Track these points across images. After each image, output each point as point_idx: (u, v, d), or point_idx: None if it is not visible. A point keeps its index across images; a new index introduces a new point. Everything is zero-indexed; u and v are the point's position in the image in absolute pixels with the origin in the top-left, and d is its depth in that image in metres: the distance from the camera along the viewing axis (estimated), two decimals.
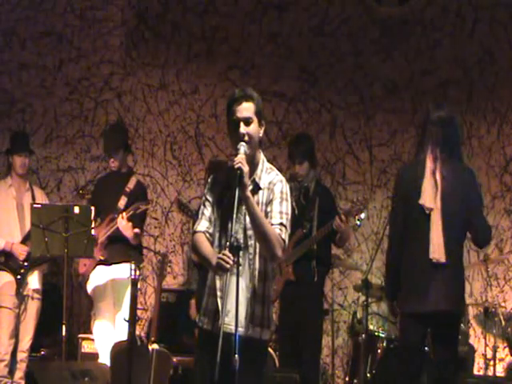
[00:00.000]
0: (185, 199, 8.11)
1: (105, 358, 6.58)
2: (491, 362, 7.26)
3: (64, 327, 6.35)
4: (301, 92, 8.36)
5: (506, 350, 7.50)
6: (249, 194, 4.09)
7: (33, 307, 6.94)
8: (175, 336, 7.39)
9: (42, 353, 7.50)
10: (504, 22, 8.22)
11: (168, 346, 6.65)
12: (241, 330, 4.05)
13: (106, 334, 6.75)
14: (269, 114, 8.00)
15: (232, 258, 3.98)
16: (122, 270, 6.67)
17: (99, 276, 6.85)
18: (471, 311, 7.57)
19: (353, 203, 6.61)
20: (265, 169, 4.26)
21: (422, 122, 5.36)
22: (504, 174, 8.21)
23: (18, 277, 6.86)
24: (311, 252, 6.54)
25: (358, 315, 7.27)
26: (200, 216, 4.29)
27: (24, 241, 6.89)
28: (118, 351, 6.28)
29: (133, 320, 6.29)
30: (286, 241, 4.18)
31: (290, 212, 4.22)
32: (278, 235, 4.12)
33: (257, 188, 4.21)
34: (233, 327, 3.95)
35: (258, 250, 4.17)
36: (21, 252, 6.85)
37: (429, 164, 5.15)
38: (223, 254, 4.00)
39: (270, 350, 6.63)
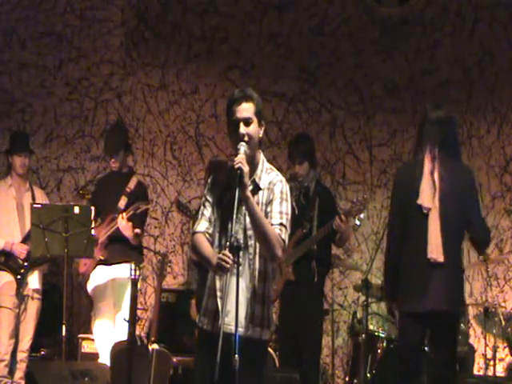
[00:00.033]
0: (185, 199, 8.11)
1: (105, 358, 6.58)
2: (491, 362, 7.26)
3: (64, 327, 6.35)
4: (301, 92, 8.36)
5: (506, 349, 7.50)
6: (249, 194, 4.09)
7: (33, 307, 6.94)
8: (175, 336, 7.38)
9: (42, 353, 7.50)
10: (504, 21, 8.22)
11: (168, 345, 6.65)
12: (241, 330, 4.05)
13: (106, 334, 6.76)
14: (269, 114, 8.00)
15: (232, 258, 3.98)
16: (123, 270, 6.67)
17: (99, 276, 6.85)
18: (471, 311, 7.56)
19: (352, 203, 6.61)
20: (265, 169, 4.26)
21: (420, 122, 5.35)
22: (504, 174, 8.21)
23: (18, 277, 6.86)
24: (311, 252, 6.54)
25: (358, 315, 7.27)
26: (200, 216, 4.29)
27: (24, 241, 6.89)
28: (118, 351, 6.28)
29: (133, 320, 6.29)
30: (286, 241, 4.18)
31: (289, 212, 4.21)
32: (278, 235, 4.12)
33: (257, 188, 4.21)
34: (233, 327, 3.95)
35: (258, 250, 4.17)
36: (21, 252, 6.85)
37: (427, 164, 5.15)
38: (223, 255, 4.00)
39: (270, 349, 6.63)
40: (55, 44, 8.39)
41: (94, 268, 6.85)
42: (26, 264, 6.87)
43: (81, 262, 6.91)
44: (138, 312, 7.30)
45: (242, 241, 4.10)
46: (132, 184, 6.91)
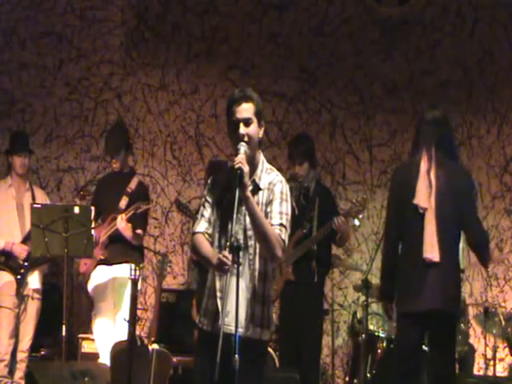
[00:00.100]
0: (185, 199, 8.11)
1: (105, 358, 6.58)
2: (491, 362, 7.26)
3: (64, 327, 6.35)
4: (301, 92, 8.36)
5: (506, 349, 7.50)
6: (249, 194, 4.09)
7: (33, 307, 6.94)
8: (175, 336, 7.38)
9: (42, 353, 7.50)
10: (504, 21, 8.22)
11: (168, 345, 6.65)
12: (241, 330, 4.05)
13: (106, 334, 6.76)
14: (269, 114, 8.01)
15: (231, 259, 3.98)
16: (123, 270, 6.67)
17: (100, 276, 6.86)
18: (471, 311, 7.57)
19: (352, 204, 6.62)
20: (265, 169, 4.26)
21: (416, 122, 5.36)
22: (504, 174, 8.21)
23: (18, 277, 6.86)
24: (311, 252, 6.54)
25: (358, 315, 7.27)
26: (199, 217, 4.29)
27: (24, 241, 6.89)
28: (118, 351, 6.28)
29: (133, 320, 6.28)
30: (286, 241, 4.18)
31: (289, 212, 4.21)
32: (278, 235, 4.12)
33: (257, 188, 4.20)
34: (233, 328, 3.95)
35: (258, 251, 4.17)
36: (21, 252, 6.84)
37: (423, 164, 5.15)
38: (222, 255, 4.00)
39: (270, 350, 6.63)
40: (55, 44, 8.39)
41: (95, 268, 6.85)
42: (26, 264, 6.86)
43: (81, 261, 6.92)
44: (138, 312, 7.29)
45: (241, 241, 4.09)
46: (133, 184, 6.91)
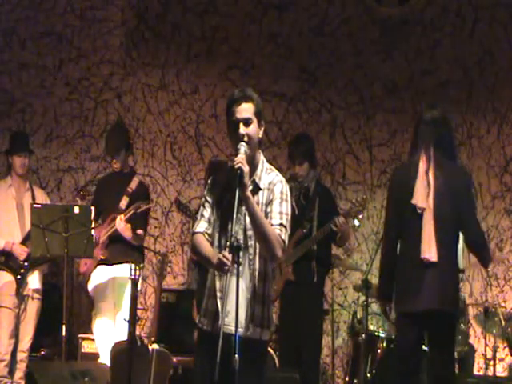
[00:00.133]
0: (185, 199, 8.11)
1: (105, 358, 6.58)
2: (491, 362, 7.26)
3: (64, 327, 6.36)
4: (301, 92, 8.36)
5: (506, 349, 7.50)
6: (249, 194, 4.09)
7: (33, 307, 6.94)
8: (175, 336, 7.38)
9: (42, 353, 7.50)
10: (504, 21, 8.22)
11: (168, 345, 6.65)
12: (241, 330, 4.05)
13: (106, 334, 6.76)
14: (269, 114, 8.01)
15: (230, 259, 3.98)
16: (123, 270, 6.67)
17: (100, 276, 6.86)
18: (471, 311, 7.56)
19: (351, 204, 6.62)
20: (265, 169, 4.26)
21: (415, 123, 5.36)
22: (504, 174, 8.21)
23: (18, 277, 6.86)
24: (311, 252, 6.54)
25: (358, 315, 7.27)
26: (199, 217, 4.29)
27: (24, 241, 6.89)
28: (118, 351, 6.28)
29: (133, 320, 6.28)
30: (286, 241, 4.18)
31: (289, 212, 4.21)
32: (278, 236, 4.12)
33: (257, 188, 4.20)
34: (233, 328, 3.95)
35: (258, 251, 4.17)
36: (21, 253, 6.84)
37: (422, 164, 5.15)
38: (222, 255, 4.00)
39: (270, 350, 6.63)
40: (55, 44, 8.39)
41: (95, 268, 6.85)
42: (26, 264, 6.86)
43: (81, 261, 6.92)
44: (138, 312, 7.29)
45: (241, 241, 4.09)
46: (133, 184, 6.91)
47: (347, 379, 7.27)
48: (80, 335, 7.31)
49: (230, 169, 4.13)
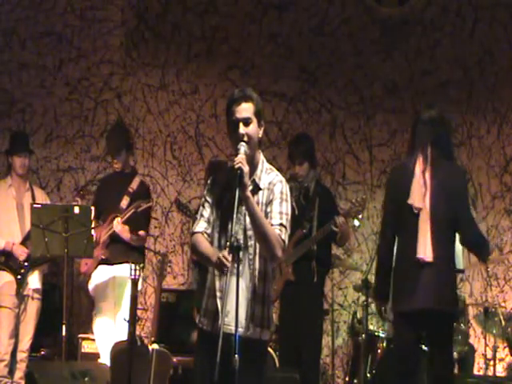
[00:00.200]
0: (185, 199, 8.11)
1: (105, 358, 6.58)
2: (491, 362, 7.26)
3: (64, 327, 6.36)
4: (301, 92, 8.36)
5: (506, 349, 7.50)
6: (249, 194, 4.09)
7: (33, 307, 6.94)
8: (175, 336, 7.38)
9: (42, 353, 7.50)
10: (504, 21, 8.23)
11: (168, 345, 6.65)
12: (241, 330, 4.05)
13: (107, 334, 6.75)
14: (269, 114, 8.01)
15: (230, 260, 3.98)
16: (124, 270, 6.67)
17: (101, 275, 6.85)
18: (471, 311, 7.56)
19: (351, 204, 6.62)
20: (264, 169, 4.26)
21: (413, 122, 5.36)
22: (504, 174, 8.21)
23: (19, 277, 6.86)
24: (311, 252, 6.54)
25: (358, 315, 7.27)
26: (198, 217, 4.29)
27: (24, 241, 6.89)
28: (118, 351, 6.28)
29: (133, 320, 6.28)
30: (286, 241, 4.18)
31: (289, 212, 4.21)
32: (278, 236, 4.12)
33: (257, 188, 4.20)
34: (233, 327, 3.95)
35: (257, 251, 4.17)
36: (21, 253, 6.84)
37: (419, 164, 5.16)
38: (222, 255, 4.00)
39: (270, 350, 6.63)
40: (55, 44, 8.39)
41: (96, 268, 6.85)
42: (26, 264, 6.86)
43: (82, 261, 6.92)
44: (138, 312, 7.29)
45: (241, 241, 4.10)
46: (135, 184, 6.91)
47: (347, 379, 7.27)
48: (80, 335, 7.31)
49: (230, 169, 4.13)
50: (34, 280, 6.95)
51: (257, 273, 4.17)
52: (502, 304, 7.89)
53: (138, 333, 6.86)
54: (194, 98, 8.40)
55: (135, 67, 8.40)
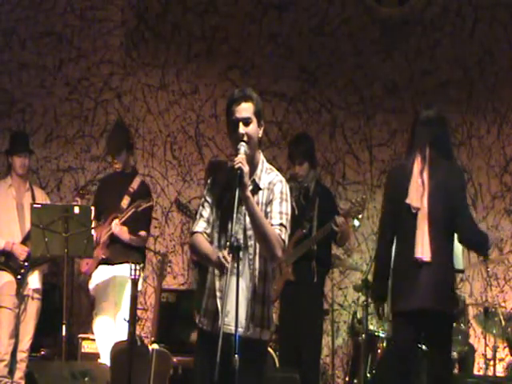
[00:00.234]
0: (185, 199, 8.11)
1: (105, 358, 6.57)
2: (491, 362, 7.26)
3: (64, 327, 6.36)
4: (301, 92, 8.36)
5: (506, 349, 7.50)
6: (249, 194, 4.09)
7: (33, 307, 6.94)
8: (175, 336, 7.38)
9: (42, 353, 7.50)
10: (504, 22, 8.23)
11: (168, 345, 6.65)
12: (241, 330, 4.05)
13: (107, 334, 6.75)
14: (269, 114, 8.01)
15: (229, 260, 3.98)
16: (124, 270, 6.67)
17: (101, 275, 6.85)
18: (471, 311, 7.56)
19: (351, 204, 6.62)
20: (264, 169, 4.26)
21: (412, 123, 5.36)
22: (504, 174, 8.21)
23: (19, 277, 6.86)
24: (311, 252, 6.54)
25: (358, 315, 7.27)
26: (198, 217, 4.29)
27: (24, 241, 6.89)
28: (118, 351, 6.28)
29: (133, 320, 6.28)
30: (286, 241, 4.18)
31: (289, 212, 4.22)
32: (278, 235, 4.12)
33: (256, 188, 4.21)
34: (232, 327, 3.95)
35: (257, 251, 4.17)
36: (21, 252, 6.84)
37: (417, 164, 5.16)
38: (222, 256, 4.00)
39: (270, 349, 6.63)
40: (55, 44, 8.39)
41: (97, 267, 6.85)
42: (26, 264, 6.86)
43: (83, 261, 6.92)
44: (138, 312, 7.29)
45: (241, 241, 4.10)
46: (135, 184, 6.91)
47: (347, 379, 7.27)
48: (80, 335, 7.31)
49: (230, 169, 4.13)
50: (34, 280, 6.95)
51: (257, 273, 4.17)
52: (502, 304, 7.89)
53: (138, 333, 6.86)
54: (194, 98, 8.40)
55: (135, 67, 8.40)
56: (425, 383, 5.81)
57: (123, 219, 6.67)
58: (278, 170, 4.32)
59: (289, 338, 6.62)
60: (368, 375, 6.82)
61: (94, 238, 6.64)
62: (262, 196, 4.20)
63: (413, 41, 8.31)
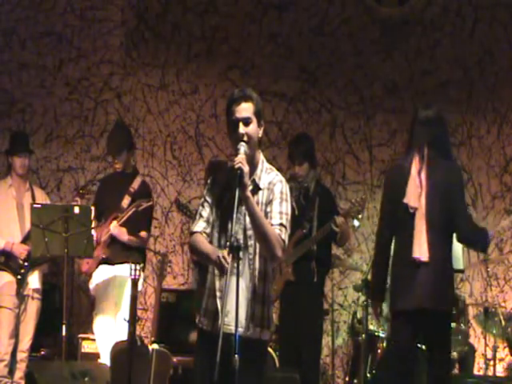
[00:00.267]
0: (185, 199, 8.11)
1: (105, 358, 6.57)
2: (491, 362, 7.25)
3: (64, 327, 6.36)
4: (301, 92, 8.36)
5: (506, 349, 7.50)
6: (249, 194, 4.09)
7: (33, 307, 6.94)
8: (175, 336, 7.38)
9: (42, 353, 7.50)
10: (504, 21, 8.23)
11: (168, 345, 6.65)
12: (241, 330, 4.05)
13: (107, 334, 6.75)
14: (269, 114, 8.01)
15: (229, 260, 3.98)
16: (125, 270, 6.67)
17: (102, 275, 6.85)
18: (471, 311, 7.56)
19: (351, 204, 6.62)
20: (264, 169, 4.26)
21: (410, 123, 5.37)
22: (504, 174, 8.21)
23: (19, 277, 6.86)
24: (311, 252, 6.54)
25: (358, 315, 7.27)
26: (198, 217, 4.29)
27: (24, 241, 6.89)
28: (118, 351, 6.28)
29: (133, 320, 6.28)
30: (286, 241, 4.18)
31: (289, 212, 4.22)
32: (278, 235, 4.12)
33: (256, 188, 4.21)
34: (232, 327, 3.95)
35: (257, 251, 4.17)
36: (21, 252, 6.84)
37: (415, 164, 5.16)
38: (222, 256, 4.00)
39: (270, 349, 6.63)
40: (55, 44, 8.39)
41: (97, 267, 6.85)
42: (26, 264, 6.86)
43: (83, 261, 6.91)
44: (138, 312, 7.30)
45: (241, 241, 4.10)
46: (136, 184, 6.91)
47: (347, 379, 7.27)
48: (80, 335, 7.31)
49: (230, 169, 4.13)
50: (34, 280, 6.95)
51: (257, 273, 4.17)
52: (502, 304, 7.89)
53: (138, 333, 6.86)
54: (194, 98, 8.40)
55: (135, 67, 8.41)
56: (425, 383, 5.80)
57: (123, 220, 6.67)
58: (278, 169, 4.32)
59: (289, 338, 6.61)
60: (368, 375, 6.82)
61: (95, 238, 6.65)
62: (261, 196, 4.21)
63: (413, 41, 8.31)
